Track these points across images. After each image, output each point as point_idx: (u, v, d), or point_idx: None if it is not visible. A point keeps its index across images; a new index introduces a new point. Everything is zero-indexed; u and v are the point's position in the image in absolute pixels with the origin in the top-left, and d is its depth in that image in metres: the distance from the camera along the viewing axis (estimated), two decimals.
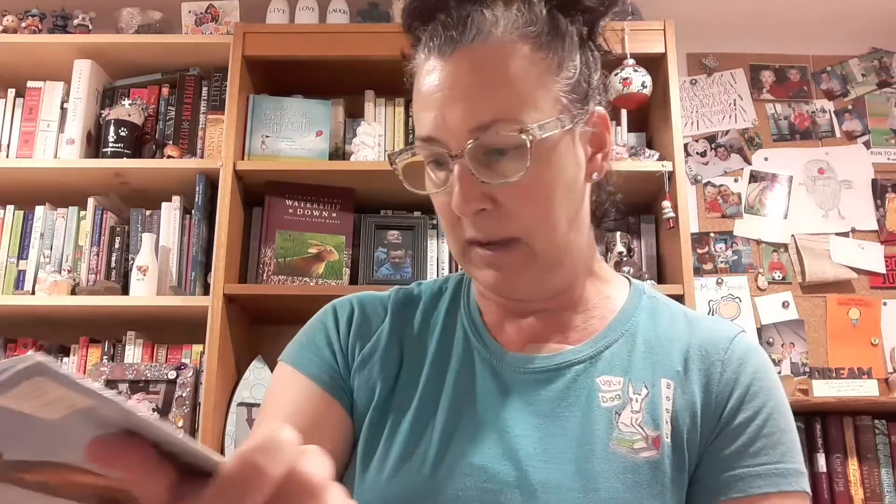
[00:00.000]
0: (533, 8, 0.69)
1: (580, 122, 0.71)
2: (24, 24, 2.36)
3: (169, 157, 2.25)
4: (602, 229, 0.81)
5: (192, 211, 2.23)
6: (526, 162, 0.66)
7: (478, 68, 0.67)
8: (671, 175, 2.13)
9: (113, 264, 2.23)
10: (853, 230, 2.53)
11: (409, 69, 0.74)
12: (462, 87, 0.67)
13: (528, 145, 0.65)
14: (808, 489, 0.70)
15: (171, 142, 2.31)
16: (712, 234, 2.53)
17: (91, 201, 2.26)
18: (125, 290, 2.18)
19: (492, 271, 0.70)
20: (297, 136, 2.23)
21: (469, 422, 0.71)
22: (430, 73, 0.69)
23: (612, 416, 0.69)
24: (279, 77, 2.34)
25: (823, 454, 2.15)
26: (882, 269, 2.50)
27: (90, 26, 2.38)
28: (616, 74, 2.15)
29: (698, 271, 2.46)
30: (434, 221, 2.26)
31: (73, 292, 2.17)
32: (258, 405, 2.04)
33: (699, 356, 0.73)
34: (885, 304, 2.47)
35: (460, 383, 0.74)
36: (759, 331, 2.44)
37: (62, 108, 2.32)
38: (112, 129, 2.26)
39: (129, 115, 2.29)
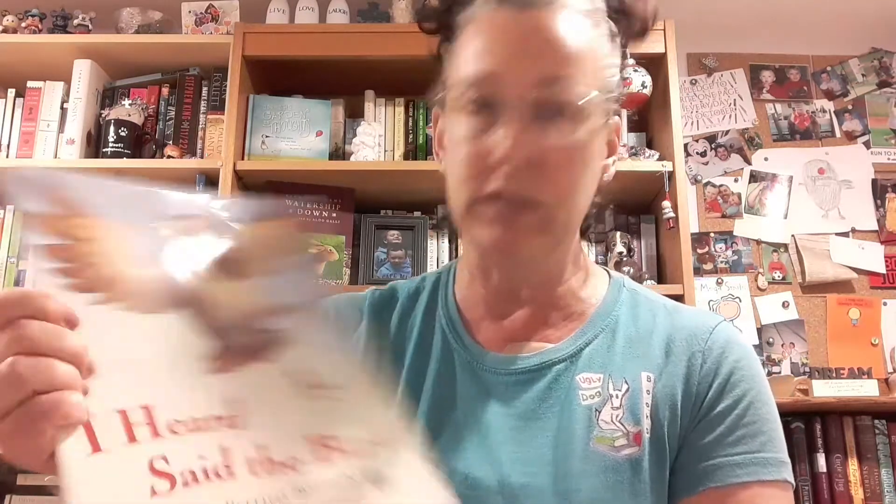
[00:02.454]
0: (597, 10, 0.72)
1: (611, 121, 0.74)
2: (24, 24, 2.36)
3: (169, 157, 2.25)
4: (583, 236, 0.81)
5: None
6: (583, 126, 0.67)
7: (555, 26, 0.67)
8: (671, 175, 2.13)
9: None
10: (853, 230, 2.53)
11: (460, 18, 0.72)
12: (538, 38, 0.67)
13: (587, 106, 0.67)
14: (791, 479, 0.69)
15: (171, 142, 2.31)
16: (712, 234, 2.53)
17: None
18: None
19: (500, 228, 0.67)
20: (297, 136, 2.23)
21: (450, 427, 0.71)
22: (498, 20, 0.68)
23: (592, 414, 0.69)
24: (279, 77, 2.34)
25: (823, 454, 2.15)
26: (882, 269, 2.50)
27: (90, 26, 2.38)
28: None
29: (698, 271, 2.46)
30: (434, 221, 2.26)
31: None
32: None
33: (680, 347, 0.72)
34: (885, 304, 2.47)
35: (440, 387, 0.73)
36: (759, 331, 2.44)
37: (62, 108, 2.32)
38: (112, 129, 2.26)
39: (129, 115, 2.29)
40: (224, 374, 0.49)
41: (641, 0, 0.74)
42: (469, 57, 0.69)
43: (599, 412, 0.69)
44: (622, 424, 0.68)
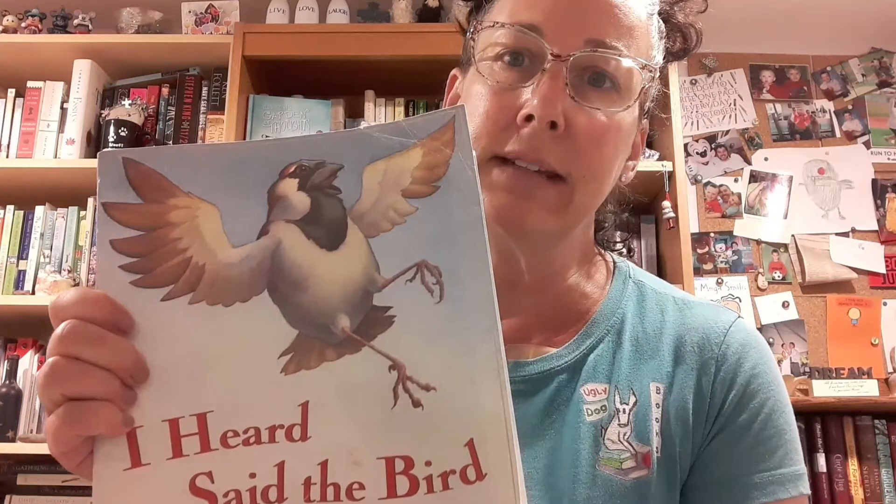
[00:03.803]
0: (654, 4, 0.69)
1: (642, 120, 0.70)
2: (24, 24, 2.36)
3: None
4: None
5: None
6: (622, 102, 0.62)
7: None
8: (671, 175, 2.13)
9: None
10: (853, 230, 2.53)
11: None
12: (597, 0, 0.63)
13: (629, 83, 0.63)
14: (807, 489, 0.64)
15: (171, 142, 2.31)
16: (712, 234, 2.53)
17: (91, 201, 2.26)
18: None
19: (510, 197, 0.61)
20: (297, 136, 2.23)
21: None
22: None
23: (598, 433, 0.63)
24: (279, 77, 2.34)
25: (823, 454, 2.15)
26: (882, 269, 2.50)
27: (90, 26, 2.38)
28: None
29: (698, 271, 2.46)
30: None
31: None
32: None
33: (691, 352, 0.66)
34: (885, 304, 2.47)
35: None
36: (760, 331, 2.43)
37: (62, 108, 2.32)
38: (112, 129, 2.26)
39: (129, 115, 2.29)
40: (302, 372, 0.43)
41: (692, 24, 0.71)
42: (511, 8, 0.64)
43: (605, 429, 0.63)
44: (630, 444, 0.63)
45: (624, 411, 0.64)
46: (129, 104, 2.33)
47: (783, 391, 0.67)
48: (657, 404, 0.64)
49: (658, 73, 0.68)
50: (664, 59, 0.70)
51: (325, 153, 0.44)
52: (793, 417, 0.67)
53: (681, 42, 0.71)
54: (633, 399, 0.64)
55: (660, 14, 0.68)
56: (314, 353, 0.43)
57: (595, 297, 0.70)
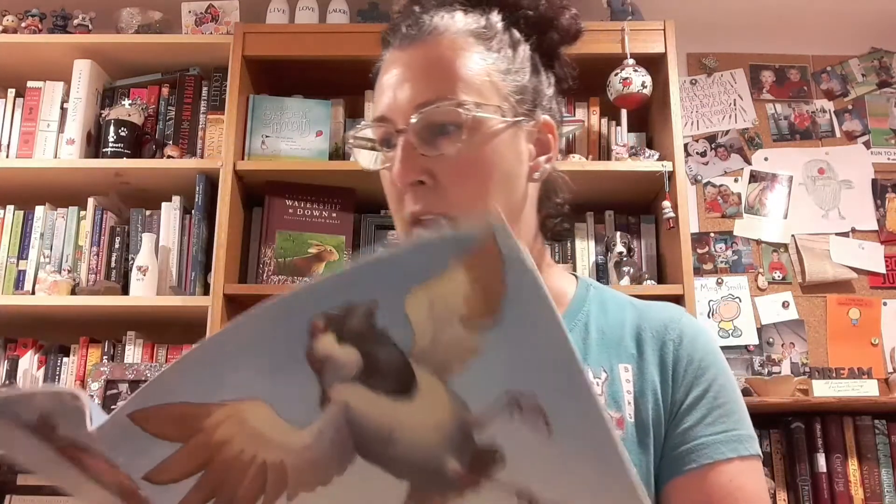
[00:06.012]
0: (490, 18, 0.77)
1: (525, 122, 0.76)
2: (24, 24, 2.36)
3: (169, 157, 2.25)
4: (557, 239, 0.85)
5: (192, 211, 2.23)
6: (471, 138, 0.71)
7: (429, 55, 0.74)
8: (671, 175, 2.13)
9: (113, 264, 2.23)
10: (853, 230, 2.53)
11: (375, 69, 0.80)
12: (413, 70, 0.73)
13: (463, 120, 0.71)
14: (760, 452, 0.74)
15: (171, 142, 2.31)
16: (712, 234, 2.53)
17: (91, 201, 2.26)
18: (125, 290, 2.18)
19: None
20: (297, 136, 2.23)
21: None
22: (389, 64, 0.76)
23: None
24: (279, 77, 2.34)
25: (823, 454, 2.15)
26: (882, 269, 2.50)
27: (90, 26, 2.38)
28: (616, 74, 2.15)
29: (698, 271, 2.46)
30: None
31: (73, 292, 2.17)
32: None
33: (651, 338, 0.76)
34: (885, 304, 2.47)
35: None
36: (759, 331, 2.44)
37: (62, 108, 2.32)
38: (112, 129, 2.26)
39: (129, 115, 2.29)
40: None
41: (556, 8, 0.79)
42: (374, 99, 0.77)
43: None
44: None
45: (598, 384, 0.73)
46: (129, 104, 2.34)
47: (729, 368, 0.78)
48: (627, 380, 0.74)
49: (530, 93, 0.76)
50: (547, 46, 0.79)
51: (349, 292, 0.38)
52: (740, 392, 0.77)
53: (537, 22, 0.78)
54: (604, 375, 0.74)
55: (504, 20, 0.77)
56: (435, 498, 0.41)
57: (561, 299, 0.81)
